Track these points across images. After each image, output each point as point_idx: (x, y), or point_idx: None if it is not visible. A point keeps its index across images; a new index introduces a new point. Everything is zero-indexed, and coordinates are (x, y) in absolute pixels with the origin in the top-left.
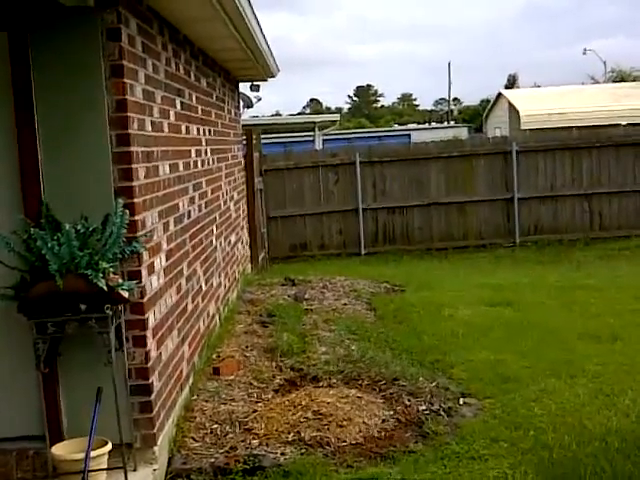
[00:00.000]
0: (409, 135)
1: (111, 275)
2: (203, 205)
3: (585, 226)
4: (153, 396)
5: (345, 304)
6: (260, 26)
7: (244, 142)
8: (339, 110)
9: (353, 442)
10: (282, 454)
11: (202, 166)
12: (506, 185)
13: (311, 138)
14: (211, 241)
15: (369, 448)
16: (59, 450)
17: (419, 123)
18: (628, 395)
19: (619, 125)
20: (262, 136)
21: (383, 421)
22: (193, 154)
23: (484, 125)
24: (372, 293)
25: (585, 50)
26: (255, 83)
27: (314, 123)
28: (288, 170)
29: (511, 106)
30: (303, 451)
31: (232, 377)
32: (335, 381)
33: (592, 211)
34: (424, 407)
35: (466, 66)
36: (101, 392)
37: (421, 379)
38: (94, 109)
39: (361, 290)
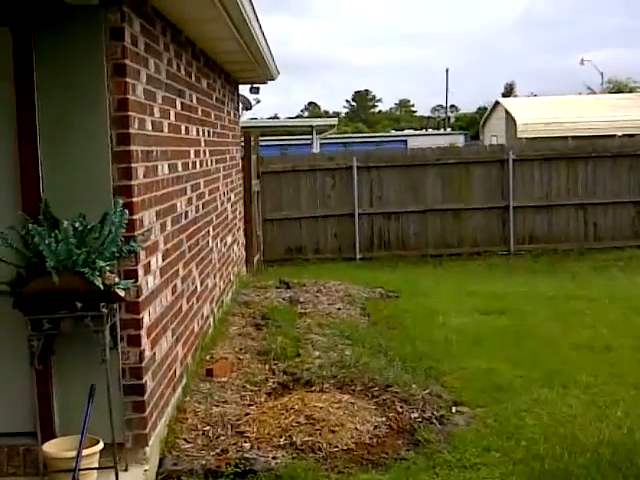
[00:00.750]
0: (405, 141)
1: (107, 273)
2: (200, 206)
3: (580, 236)
4: (146, 396)
5: (339, 309)
6: (262, 29)
7: (242, 144)
8: (337, 114)
9: (345, 448)
10: (273, 458)
11: (200, 167)
12: (502, 193)
13: (308, 142)
14: (207, 242)
15: (361, 454)
16: (50, 448)
17: (416, 129)
18: (620, 406)
19: (615, 136)
20: (260, 138)
21: (375, 427)
22: (192, 155)
23: (481, 133)
24: (366, 298)
25: (582, 60)
26: (255, 86)
27: (312, 127)
28: (285, 173)
29: (508, 114)
30: (295, 455)
31: (225, 379)
32: (328, 386)
33: (587, 221)
34: (416, 414)
35: (464, 73)
36: (94, 389)
37: (414, 386)
38: (95, 107)
39: (355, 295)
